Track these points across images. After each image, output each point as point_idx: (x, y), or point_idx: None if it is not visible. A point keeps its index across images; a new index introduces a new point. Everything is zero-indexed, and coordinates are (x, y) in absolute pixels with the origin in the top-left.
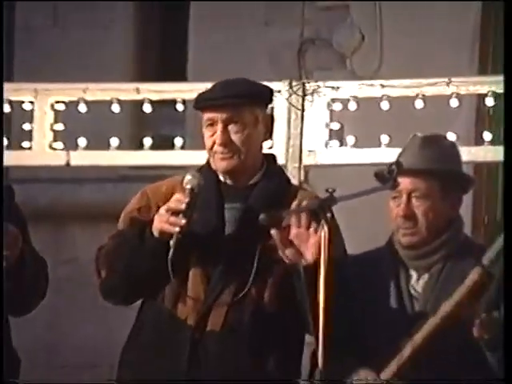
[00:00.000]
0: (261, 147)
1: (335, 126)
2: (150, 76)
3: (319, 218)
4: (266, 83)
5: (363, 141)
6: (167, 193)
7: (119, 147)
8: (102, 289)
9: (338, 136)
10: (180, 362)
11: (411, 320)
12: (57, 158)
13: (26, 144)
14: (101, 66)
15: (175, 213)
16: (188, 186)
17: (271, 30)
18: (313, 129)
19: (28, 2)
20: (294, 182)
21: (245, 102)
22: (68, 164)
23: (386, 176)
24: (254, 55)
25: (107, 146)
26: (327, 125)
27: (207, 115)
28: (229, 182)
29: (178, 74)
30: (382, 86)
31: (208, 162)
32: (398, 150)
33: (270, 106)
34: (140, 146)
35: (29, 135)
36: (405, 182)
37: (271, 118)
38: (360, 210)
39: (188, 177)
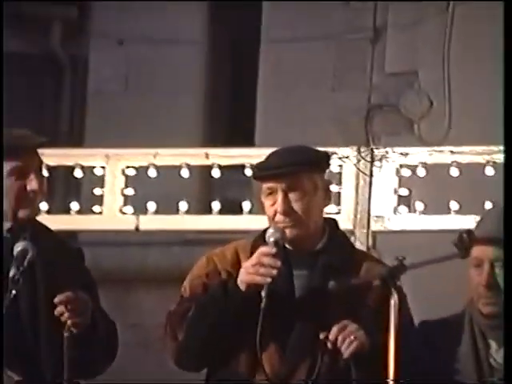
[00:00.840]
0: (321, 213)
1: (404, 191)
2: (218, 141)
3: (389, 286)
4: (333, 149)
5: (432, 207)
6: (233, 257)
7: (188, 211)
8: (178, 352)
9: (407, 202)
10: None
11: None
12: (127, 222)
13: (96, 208)
14: (171, 132)
15: (263, 265)
16: (271, 239)
17: (339, 95)
18: (381, 194)
19: (100, 67)
20: (361, 247)
21: (303, 169)
22: (137, 228)
23: (457, 244)
24: (321, 121)
25: (176, 211)
26: (395, 191)
27: (267, 185)
28: (294, 249)
29: (246, 139)
30: (452, 152)
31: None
32: (468, 217)
33: (327, 170)
34: (208, 211)
35: (99, 200)
36: (487, 251)
37: (329, 183)
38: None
39: (271, 230)
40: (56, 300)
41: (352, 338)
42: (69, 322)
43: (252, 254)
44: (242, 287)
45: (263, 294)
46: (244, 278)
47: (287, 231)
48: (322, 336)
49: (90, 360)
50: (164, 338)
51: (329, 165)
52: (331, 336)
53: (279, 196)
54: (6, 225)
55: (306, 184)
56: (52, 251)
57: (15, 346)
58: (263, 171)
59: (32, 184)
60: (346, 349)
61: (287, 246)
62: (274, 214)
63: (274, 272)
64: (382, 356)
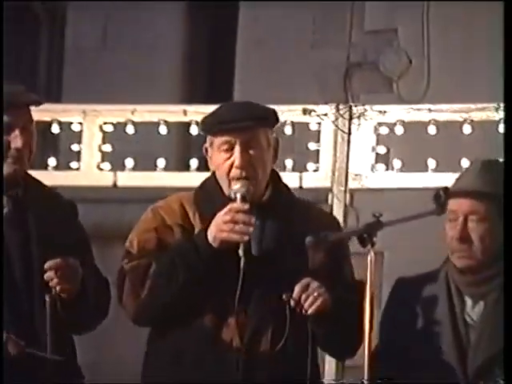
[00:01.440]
0: (270, 169)
1: (382, 149)
2: (197, 98)
3: (365, 243)
4: (311, 106)
5: (410, 165)
6: (180, 210)
7: (166, 168)
8: (139, 310)
9: (385, 160)
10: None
11: (465, 348)
12: (104, 178)
13: (74, 164)
14: (148, 88)
15: (236, 222)
16: (239, 195)
17: (318, 53)
18: (359, 152)
19: (78, 23)
20: (339, 205)
21: (260, 124)
22: (115, 185)
23: (434, 201)
24: (300, 78)
25: (154, 167)
26: (373, 148)
27: (222, 138)
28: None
29: (225, 96)
30: (430, 110)
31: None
32: (445, 175)
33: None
34: (186, 168)
35: (77, 156)
36: (463, 205)
37: (277, 142)
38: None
39: (235, 186)
40: (46, 266)
41: (315, 294)
42: (57, 287)
43: (197, 206)
44: (215, 244)
45: (240, 252)
46: (218, 235)
47: (240, 184)
48: (284, 297)
49: (82, 318)
50: (121, 295)
51: (277, 122)
52: (294, 294)
53: (237, 150)
54: None
55: (262, 139)
56: (44, 206)
57: (11, 308)
58: (221, 125)
59: (16, 141)
60: (309, 306)
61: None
62: (230, 169)
63: (251, 229)
64: (344, 313)
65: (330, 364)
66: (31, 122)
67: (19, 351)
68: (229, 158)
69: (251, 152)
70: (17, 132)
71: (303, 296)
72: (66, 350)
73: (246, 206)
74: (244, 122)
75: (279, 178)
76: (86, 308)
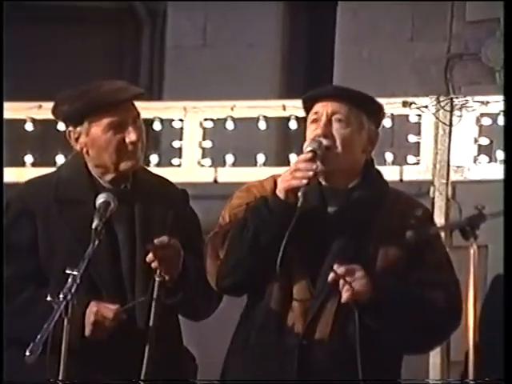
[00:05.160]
0: (361, 154)
1: (484, 141)
2: (296, 93)
3: (468, 236)
4: (412, 99)
5: None
6: (271, 187)
7: (265, 164)
8: (220, 271)
9: (487, 151)
10: (288, 368)
11: None
12: (205, 174)
13: (175, 161)
14: (248, 84)
15: (298, 170)
16: (308, 149)
17: (418, 45)
18: (461, 144)
19: (179, 22)
20: (441, 198)
21: (353, 103)
22: (216, 181)
23: None
24: (400, 71)
25: (254, 163)
26: (476, 140)
27: (313, 110)
28: (327, 184)
29: None
30: None
31: None
32: None
33: (381, 124)
34: (286, 163)
35: (178, 152)
36: (326, 106)
37: (377, 135)
38: None
39: (308, 141)
40: (148, 247)
41: (353, 285)
42: (159, 269)
43: None
44: (281, 195)
45: (299, 194)
46: (281, 185)
47: (323, 165)
48: (335, 268)
49: (186, 306)
50: (206, 261)
51: (382, 117)
52: (339, 271)
53: (323, 119)
54: (108, 177)
55: (352, 119)
56: (152, 194)
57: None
58: (314, 92)
59: (131, 136)
60: (344, 293)
61: (321, 181)
62: (314, 138)
63: (310, 173)
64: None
65: (434, 358)
66: (139, 115)
67: (115, 315)
68: (316, 129)
69: (337, 125)
70: (130, 127)
71: (341, 280)
72: (171, 335)
73: (310, 155)
74: (337, 92)
75: (373, 169)
76: (189, 291)
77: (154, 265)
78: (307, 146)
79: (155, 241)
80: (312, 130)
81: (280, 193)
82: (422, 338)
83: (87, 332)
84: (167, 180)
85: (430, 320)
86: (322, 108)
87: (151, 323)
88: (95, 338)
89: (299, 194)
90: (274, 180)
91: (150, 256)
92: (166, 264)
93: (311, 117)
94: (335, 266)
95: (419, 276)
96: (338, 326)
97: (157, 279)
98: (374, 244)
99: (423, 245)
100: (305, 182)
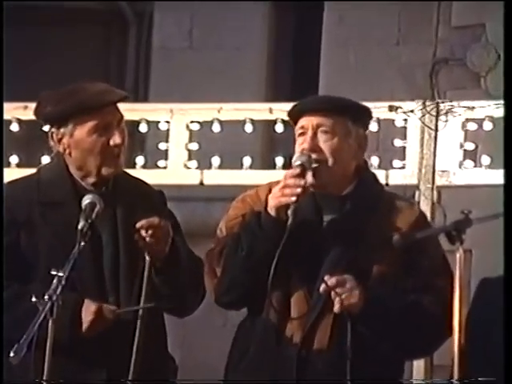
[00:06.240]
0: (352, 160)
1: (470, 146)
2: (282, 96)
3: (454, 240)
4: (398, 103)
5: (499, 161)
6: (266, 196)
7: (252, 166)
8: (217, 288)
9: (473, 156)
10: (287, 379)
11: None
12: (191, 176)
13: (161, 163)
14: (234, 87)
15: (288, 186)
16: (297, 163)
17: (404, 49)
18: (446, 149)
19: (165, 24)
20: (426, 202)
21: (337, 112)
22: (202, 183)
23: None
24: (386, 76)
25: (240, 166)
26: (461, 145)
27: (299, 124)
28: (321, 192)
29: (309, 94)
30: None
31: None
32: None
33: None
34: (272, 166)
35: (164, 154)
36: (311, 120)
37: (366, 139)
38: None
39: (296, 155)
40: (138, 225)
41: (343, 296)
42: (147, 247)
43: None
44: (272, 213)
45: (289, 212)
46: (272, 202)
47: (315, 179)
48: (325, 279)
49: (173, 291)
50: (205, 278)
51: (369, 119)
52: (329, 283)
53: (309, 133)
54: (90, 179)
55: (338, 128)
56: (133, 197)
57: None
58: (298, 106)
59: (115, 139)
60: (336, 304)
61: (314, 190)
62: (302, 152)
63: (299, 190)
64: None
65: (418, 362)
66: (122, 118)
67: (114, 316)
68: (302, 143)
69: (323, 137)
70: (114, 129)
71: (335, 290)
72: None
73: (298, 170)
74: (320, 105)
75: (367, 172)
76: (178, 276)
77: (142, 243)
78: (296, 160)
79: (145, 220)
80: (299, 144)
81: (271, 210)
82: (419, 343)
83: (84, 330)
84: (144, 182)
85: (426, 325)
86: (307, 122)
87: (141, 306)
88: (89, 336)
89: (289, 212)
90: (270, 188)
91: (141, 233)
92: (155, 244)
93: (298, 130)
94: (326, 277)
95: (414, 282)
96: (335, 336)
97: (147, 258)
98: (370, 251)
99: (416, 250)
100: (293, 199)
